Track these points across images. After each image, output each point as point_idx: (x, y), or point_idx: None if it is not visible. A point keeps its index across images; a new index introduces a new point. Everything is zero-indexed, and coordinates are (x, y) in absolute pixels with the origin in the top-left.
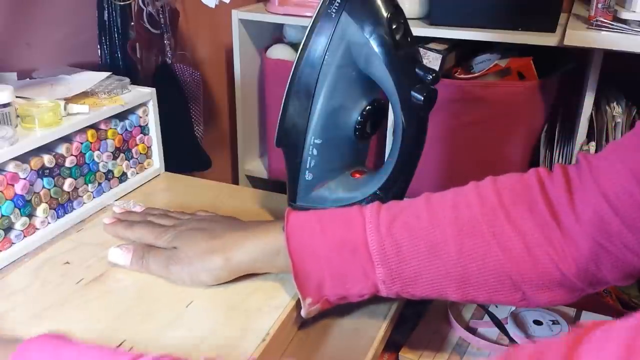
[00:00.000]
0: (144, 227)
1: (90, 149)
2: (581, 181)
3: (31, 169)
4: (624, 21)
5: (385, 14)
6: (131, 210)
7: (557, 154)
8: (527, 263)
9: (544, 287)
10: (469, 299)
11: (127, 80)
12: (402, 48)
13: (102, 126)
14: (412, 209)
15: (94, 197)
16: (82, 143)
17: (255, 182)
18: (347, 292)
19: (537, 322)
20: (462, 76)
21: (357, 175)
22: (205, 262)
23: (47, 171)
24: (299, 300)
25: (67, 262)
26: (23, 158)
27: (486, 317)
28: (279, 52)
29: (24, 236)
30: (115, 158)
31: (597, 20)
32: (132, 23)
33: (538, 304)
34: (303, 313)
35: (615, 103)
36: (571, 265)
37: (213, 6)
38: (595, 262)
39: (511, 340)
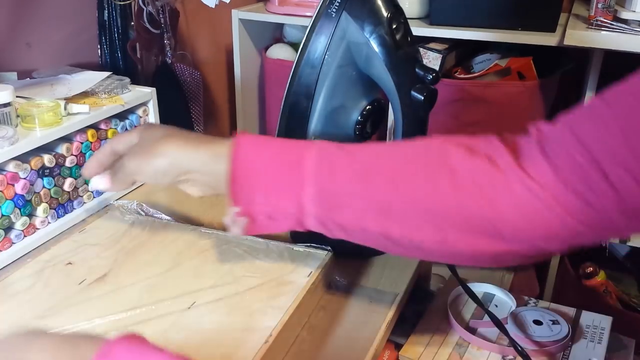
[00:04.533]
0: (103, 146)
1: (91, 149)
2: (525, 147)
3: (31, 169)
4: (624, 21)
5: (385, 13)
6: None
7: None
8: (454, 201)
9: (467, 232)
10: (389, 232)
11: (127, 80)
12: (402, 48)
13: (103, 126)
14: (360, 145)
15: (94, 197)
16: (82, 143)
17: None
18: (273, 207)
19: (537, 322)
20: (462, 76)
21: None
22: (152, 149)
23: (48, 171)
24: (301, 301)
25: (70, 263)
26: (23, 158)
27: (486, 317)
28: (279, 52)
29: (24, 236)
30: None
31: (597, 20)
32: (132, 23)
33: (455, 248)
34: (226, 220)
35: None
36: (502, 215)
37: (213, 6)
38: (529, 219)
39: (511, 340)
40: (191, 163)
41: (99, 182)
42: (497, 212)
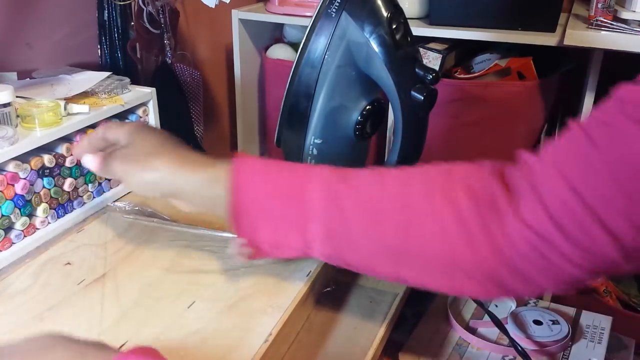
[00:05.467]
0: (95, 130)
1: None
2: (520, 187)
3: (31, 169)
4: (624, 21)
5: (385, 13)
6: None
7: None
8: (462, 248)
9: (473, 278)
10: (400, 276)
11: (127, 80)
12: (402, 48)
13: None
14: (364, 175)
15: (94, 197)
16: None
17: None
18: (279, 241)
19: (537, 322)
20: (462, 76)
21: None
22: (145, 164)
23: (47, 171)
24: (301, 300)
25: (68, 263)
26: (23, 158)
27: (486, 317)
28: (279, 52)
29: (24, 236)
30: None
31: (597, 20)
32: (132, 23)
33: (463, 293)
34: (230, 251)
35: None
36: (504, 261)
37: (213, 6)
38: (530, 264)
39: (511, 340)
40: (186, 184)
41: (89, 161)
42: (504, 261)
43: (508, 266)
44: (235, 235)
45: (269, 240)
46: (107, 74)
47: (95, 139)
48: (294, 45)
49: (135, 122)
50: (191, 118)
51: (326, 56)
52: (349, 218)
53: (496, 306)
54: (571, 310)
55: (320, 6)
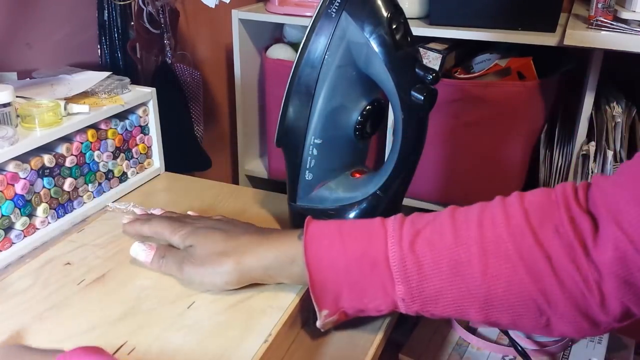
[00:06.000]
0: (161, 221)
1: (91, 149)
2: (599, 212)
3: (31, 169)
4: (624, 21)
5: (385, 13)
6: (151, 212)
7: (557, 154)
8: (554, 288)
9: (568, 317)
10: (491, 321)
11: (127, 80)
12: (402, 48)
13: (102, 126)
14: (436, 225)
15: (94, 197)
16: (82, 143)
17: (255, 182)
18: (365, 306)
19: None
20: (462, 76)
21: (357, 175)
22: (216, 265)
23: (47, 171)
24: (301, 301)
25: (68, 263)
26: (23, 158)
27: None
28: (279, 52)
29: (24, 236)
30: (115, 158)
31: (597, 20)
32: (132, 23)
33: (561, 333)
34: (319, 324)
35: (615, 103)
36: (596, 295)
37: (213, 6)
38: (620, 295)
39: (511, 340)
40: (262, 277)
41: (140, 252)
42: (599, 300)
43: (598, 299)
44: (321, 311)
45: (354, 306)
46: (107, 74)
47: (148, 231)
48: (294, 45)
49: (190, 227)
50: (191, 118)
51: (326, 56)
52: (431, 277)
53: None
54: None
55: (320, 6)
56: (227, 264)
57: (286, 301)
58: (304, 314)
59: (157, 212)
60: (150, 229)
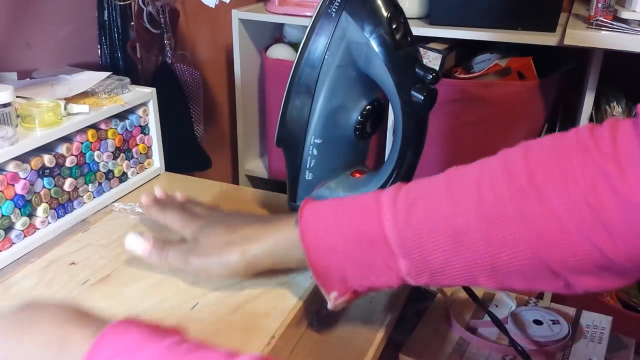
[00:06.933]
0: (176, 212)
1: (91, 149)
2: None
3: (31, 169)
4: (624, 21)
5: (385, 13)
6: (172, 195)
7: None
8: (565, 248)
9: (588, 273)
10: (505, 286)
11: (127, 80)
12: (402, 48)
13: (103, 126)
14: (432, 193)
15: (94, 197)
16: (82, 143)
17: (255, 182)
18: (372, 283)
19: (537, 322)
20: (462, 76)
21: (357, 175)
22: (222, 256)
23: (48, 171)
24: (305, 303)
25: (73, 263)
26: (23, 158)
27: (486, 317)
28: (279, 52)
29: (25, 236)
30: (115, 158)
31: (597, 20)
32: (132, 23)
33: (585, 289)
34: (330, 306)
35: (615, 103)
36: (619, 247)
37: (213, 6)
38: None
39: (511, 340)
40: (267, 262)
41: (135, 243)
42: (616, 250)
43: (623, 251)
44: (327, 292)
45: (362, 285)
46: (107, 74)
47: (162, 220)
48: (294, 45)
49: (199, 220)
50: (191, 118)
51: (326, 56)
52: (431, 247)
53: (496, 306)
54: (571, 310)
55: (320, 6)
56: (233, 254)
57: (290, 303)
58: (308, 316)
59: (178, 196)
60: (164, 217)
